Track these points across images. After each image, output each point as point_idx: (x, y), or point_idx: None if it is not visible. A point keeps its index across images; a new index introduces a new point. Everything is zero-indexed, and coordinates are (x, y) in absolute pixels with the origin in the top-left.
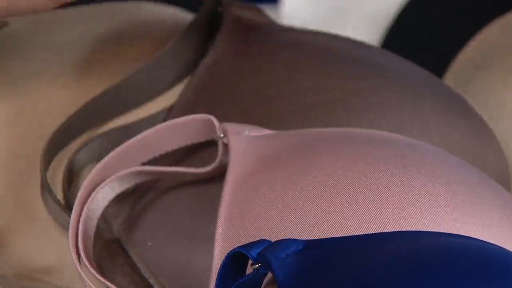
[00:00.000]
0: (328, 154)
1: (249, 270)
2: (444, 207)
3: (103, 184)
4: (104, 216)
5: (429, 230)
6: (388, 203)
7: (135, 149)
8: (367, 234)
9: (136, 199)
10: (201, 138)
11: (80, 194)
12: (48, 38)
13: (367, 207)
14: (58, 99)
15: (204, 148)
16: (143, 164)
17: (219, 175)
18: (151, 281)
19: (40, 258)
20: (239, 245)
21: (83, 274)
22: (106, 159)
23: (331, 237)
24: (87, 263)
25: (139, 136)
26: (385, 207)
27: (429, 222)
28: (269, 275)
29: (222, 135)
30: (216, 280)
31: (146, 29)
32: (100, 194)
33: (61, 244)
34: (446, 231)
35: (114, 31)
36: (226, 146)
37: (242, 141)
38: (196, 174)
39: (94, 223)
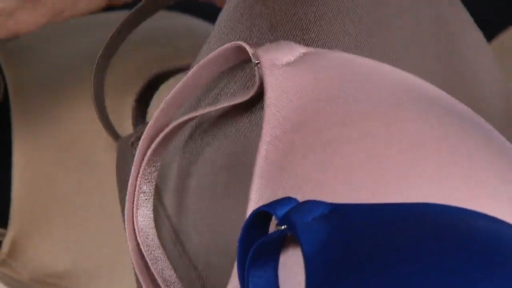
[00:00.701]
0: (369, 122)
1: (272, 227)
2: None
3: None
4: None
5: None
6: (429, 181)
7: (179, 97)
8: (399, 203)
9: (187, 137)
10: (238, 61)
11: (136, 161)
12: (62, 49)
13: (406, 181)
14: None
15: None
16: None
17: (257, 99)
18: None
19: (56, 263)
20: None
21: None
22: (154, 116)
23: (359, 203)
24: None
25: (180, 84)
26: (425, 183)
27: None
28: None
29: (257, 62)
30: (240, 238)
31: (157, 36)
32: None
33: (77, 249)
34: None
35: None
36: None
37: (278, 77)
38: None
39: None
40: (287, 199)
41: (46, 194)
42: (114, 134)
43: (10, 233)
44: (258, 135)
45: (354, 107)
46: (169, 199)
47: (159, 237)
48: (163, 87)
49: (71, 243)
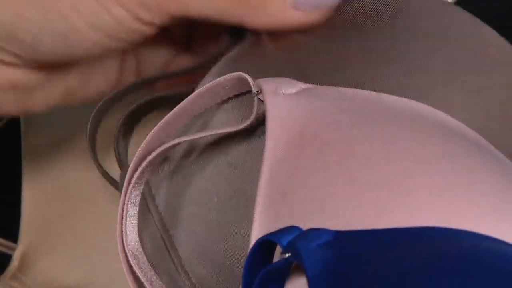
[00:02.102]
0: (370, 142)
1: (276, 256)
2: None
3: (136, 174)
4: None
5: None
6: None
7: (172, 120)
8: (402, 228)
9: (174, 167)
10: (235, 92)
11: (125, 181)
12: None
13: (408, 203)
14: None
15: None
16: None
17: (255, 128)
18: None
19: (65, 277)
20: (276, 227)
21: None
22: (146, 140)
23: (362, 230)
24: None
25: (176, 109)
26: (429, 205)
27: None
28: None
29: (257, 91)
30: (245, 266)
31: None
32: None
33: (87, 262)
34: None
35: None
36: (261, 101)
37: (280, 103)
38: (232, 132)
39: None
40: (291, 228)
41: (56, 209)
42: (111, 180)
43: (20, 248)
44: (258, 161)
45: (354, 129)
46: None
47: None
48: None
49: (80, 258)
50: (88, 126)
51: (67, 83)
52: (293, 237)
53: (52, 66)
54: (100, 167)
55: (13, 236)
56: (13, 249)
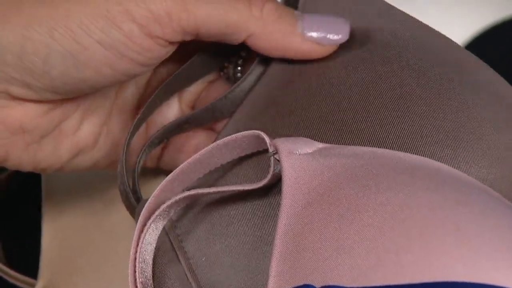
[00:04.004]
0: (384, 192)
1: None
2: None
3: (150, 221)
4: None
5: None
6: (445, 256)
7: (188, 171)
8: (418, 284)
9: (194, 207)
10: (252, 150)
11: (138, 225)
12: None
13: (422, 257)
14: None
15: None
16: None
17: (272, 186)
18: None
19: None
20: (291, 280)
21: None
22: (160, 187)
23: (378, 286)
24: None
25: (191, 160)
26: (442, 259)
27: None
28: None
29: (274, 151)
30: None
31: None
32: (148, 235)
33: None
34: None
35: None
36: (278, 161)
37: (296, 163)
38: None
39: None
40: (306, 286)
41: (75, 244)
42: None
43: (40, 284)
44: (273, 219)
45: (368, 182)
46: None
47: None
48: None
49: None
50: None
51: (77, 139)
52: None
53: (63, 103)
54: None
55: (33, 272)
56: (33, 285)
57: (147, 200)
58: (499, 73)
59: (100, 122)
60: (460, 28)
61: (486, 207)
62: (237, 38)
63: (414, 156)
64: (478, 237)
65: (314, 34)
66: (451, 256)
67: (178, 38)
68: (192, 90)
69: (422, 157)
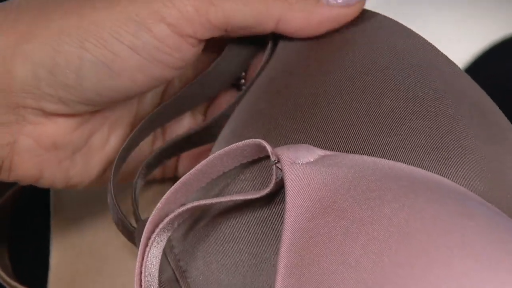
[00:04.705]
0: (389, 204)
1: None
2: None
3: (154, 234)
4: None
5: None
6: (454, 273)
7: (191, 182)
8: None
9: (191, 224)
10: (254, 157)
11: (143, 240)
12: None
13: (428, 271)
14: None
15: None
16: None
17: (273, 194)
18: None
19: None
20: None
21: None
22: (163, 199)
23: None
24: None
25: (193, 171)
26: (449, 273)
27: None
28: None
29: (276, 160)
30: None
31: None
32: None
33: None
34: None
35: None
36: (280, 169)
37: (299, 175)
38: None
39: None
40: None
41: (83, 266)
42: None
43: None
44: (277, 229)
45: (372, 194)
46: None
47: None
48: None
49: None
50: (112, 171)
51: (106, 153)
52: None
53: (91, 118)
54: (121, 213)
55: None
56: None
57: (146, 220)
58: (505, 89)
59: (125, 135)
60: (467, 44)
61: (489, 220)
62: (265, 28)
63: (416, 168)
64: (484, 251)
65: None
66: (458, 270)
67: (207, 34)
68: None
69: (423, 170)
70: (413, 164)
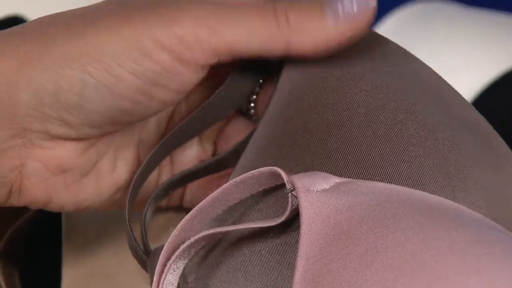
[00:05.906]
0: (403, 231)
1: None
2: None
3: (170, 261)
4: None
5: None
6: None
7: (207, 208)
8: None
9: (205, 253)
10: (271, 185)
11: (158, 267)
12: None
13: None
14: None
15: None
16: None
17: (288, 222)
18: None
19: None
20: None
21: None
22: (179, 226)
23: None
24: None
25: (209, 198)
26: None
27: None
28: None
29: (291, 188)
30: None
31: None
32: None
33: None
34: None
35: None
36: (296, 197)
37: (314, 202)
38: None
39: None
40: None
41: (96, 285)
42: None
43: None
44: (292, 256)
45: (387, 222)
46: None
47: None
48: None
49: None
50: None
51: (116, 177)
52: None
53: (96, 143)
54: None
55: None
56: None
57: (158, 249)
58: None
59: (132, 159)
60: (477, 73)
61: (505, 248)
62: (275, 51)
63: (431, 195)
64: (500, 279)
65: (345, 15)
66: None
67: (210, 60)
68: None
69: (439, 196)
70: (426, 190)
